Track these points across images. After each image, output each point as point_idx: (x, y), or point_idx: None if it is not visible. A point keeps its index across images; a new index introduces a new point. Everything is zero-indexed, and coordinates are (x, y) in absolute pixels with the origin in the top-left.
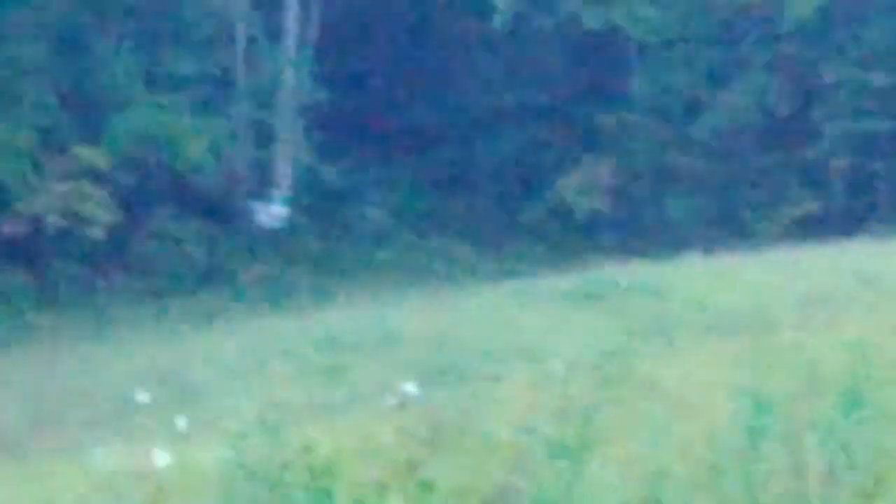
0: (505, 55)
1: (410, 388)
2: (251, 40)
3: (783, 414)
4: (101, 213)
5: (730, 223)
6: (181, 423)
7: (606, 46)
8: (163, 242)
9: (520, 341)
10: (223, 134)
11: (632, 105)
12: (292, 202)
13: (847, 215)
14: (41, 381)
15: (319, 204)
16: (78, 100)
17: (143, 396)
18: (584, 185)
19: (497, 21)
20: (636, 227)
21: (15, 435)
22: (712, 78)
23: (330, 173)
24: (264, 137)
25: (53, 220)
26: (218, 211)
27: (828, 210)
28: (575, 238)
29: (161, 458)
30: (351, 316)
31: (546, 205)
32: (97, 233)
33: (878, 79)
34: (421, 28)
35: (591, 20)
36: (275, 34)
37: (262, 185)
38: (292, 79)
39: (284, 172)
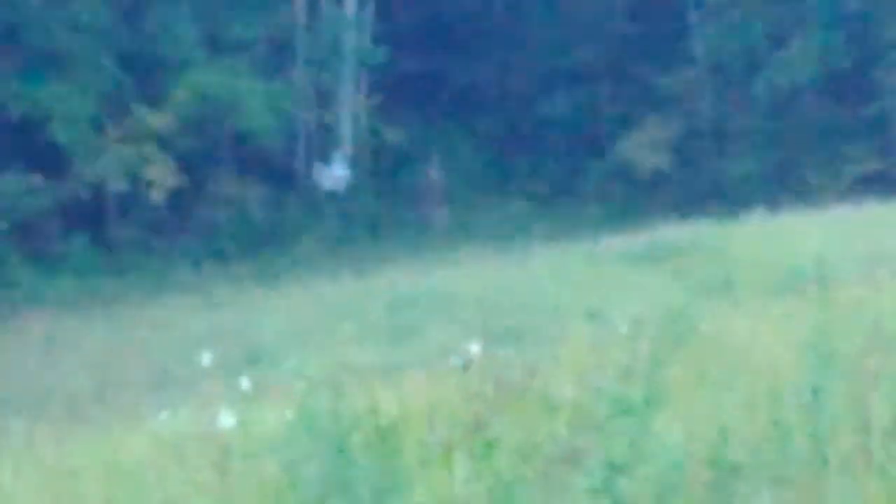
0: (564, 14)
1: (474, 347)
2: (311, 2)
3: (847, 370)
4: (163, 176)
5: (791, 181)
6: (246, 384)
7: (666, 5)
8: (225, 205)
9: (583, 301)
10: (284, 96)
11: (692, 64)
12: (354, 164)
13: None
14: (106, 345)
15: (381, 165)
16: (139, 63)
17: (207, 358)
18: (645, 144)
19: None
20: (698, 186)
21: (81, 398)
22: (772, 36)
23: (391, 135)
24: (325, 99)
25: (116, 184)
26: (280, 173)
27: (889, 168)
28: (637, 197)
29: (226, 419)
30: (413, 277)
31: (607, 165)
32: (159, 196)
33: None
34: None
35: None
36: None
37: (324, 148)
38: (352, 41)
39: (346, 134)
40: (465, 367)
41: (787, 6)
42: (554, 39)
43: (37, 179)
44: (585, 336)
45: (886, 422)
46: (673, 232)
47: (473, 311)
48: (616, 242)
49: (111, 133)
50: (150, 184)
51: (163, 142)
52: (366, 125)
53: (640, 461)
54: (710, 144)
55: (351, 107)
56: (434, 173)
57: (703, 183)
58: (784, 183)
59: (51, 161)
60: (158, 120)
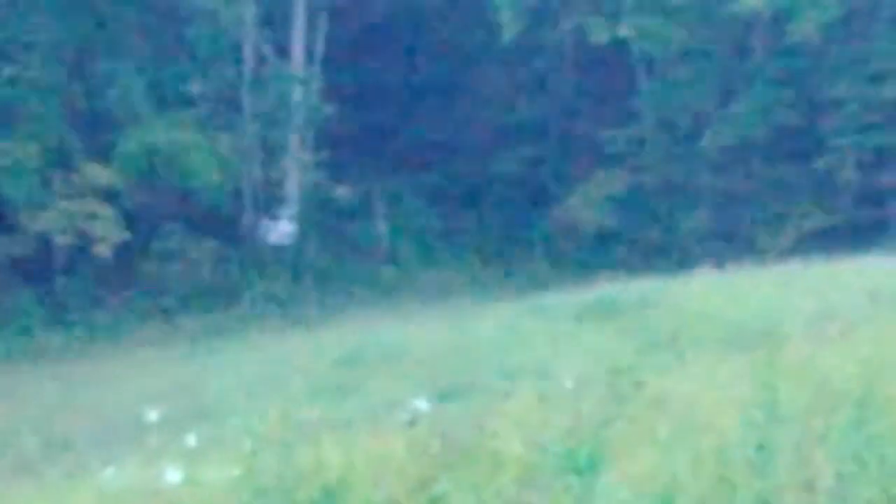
0: (512, 71)
1: (421, 403)
2: (259, 58)
3: (794, 428)
4: (109, 231)
5: (738, 238)
6: (192, 440)
7: (614, 61)
8: (171, 261)
9: (530, 357)
10: (231, 152)
11: (639, 120)
12: (300, 219)
13: (856, 230)
14: (53, 400)
15: (327, 221)
16: (87, 118)
17: (154, 414)
18: (592, 200)
19: (505, 36)
20: (645, 243)
21: (28, 454)
22: (720, 92)
23: (338, 190)
24: (272, 155)
25: (62, 239)
26: (226, 229)
27: (836, 224)
28: (584, 253)
29: (172, 475)
30: (361, 332)
31: (555, 221)
32: (105, 251)
33: (886, 92)
34: (428, 44)
35: (598, 34)
36: (282, 52)
37: (271, 203)
38: (300, 96)
39: (292, 190)
40: (412, 423)
41: (735, 63)
42: (502, 95)
43: None
44: (533, 392)
45: (831, 480)
46: (620, 288)
47: (421, 366)
48: (563, 298)
49: (58, 188)
50: (95, 238)
51: (109, 197)
52: (313, 180)
53: None
54: (658, 201)
55: (298, 162)
56: (381, 228)
57: (651, 239)
58: (731, 239)
59: None
60: (105, 175)
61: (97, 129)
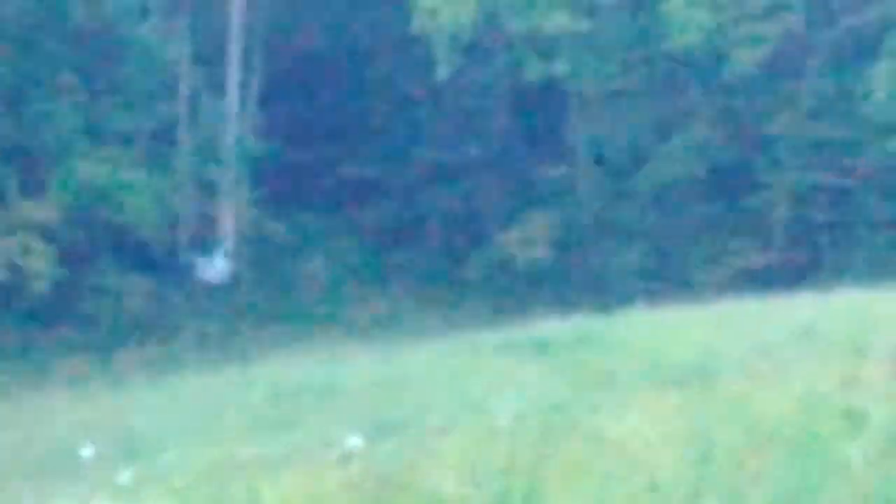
0: (446, 109)
1: (355, 440)
2: (194, 94)
3: (729, 467)
4: (44, 267)
5: (673, 275)
6: (126, 477)
7: (547, 98)
8: (106, 296)
9: (465, 394)
10: (166, 188)
11: (573, 157)
12: (236, 256)
13: (789, 267)
14: None
15: (263, 257)
16: (20, 154)
17: (87, 450)
18: (525, 237)
19: (441, 72)
20: (578, 279)
21: None
22: (654, 129)
23: (273, 227)
24: (207, 191)
25: None
26: (161, 265)
27: (770, 262)
28: (518, 290)
29: None
30: (296, 369)
31: (489, 258)
32: (41, 287)
33: (821, 131)
34: (364, 81)
35: (531, 72)
36: (217, 88)
37: (206, 239)
38: (235, 133)
39: (228, 226)
40: (346, 460)
41: (670, 100)
42: (436, 133)
43: None
44: (468, 429)
45: None
46: (554, 325)
47: (355, 403)
48: (497, 335)
49: None
50: (30, 274)
51: (44, 232)
52: (248, 217)
53: None
54: (591, 237)
55: (233, 198)
56: (316, 265)
57: (584, 276)
58: (665, 276)
59: None
60: (39, 211)
61: (31, 165)
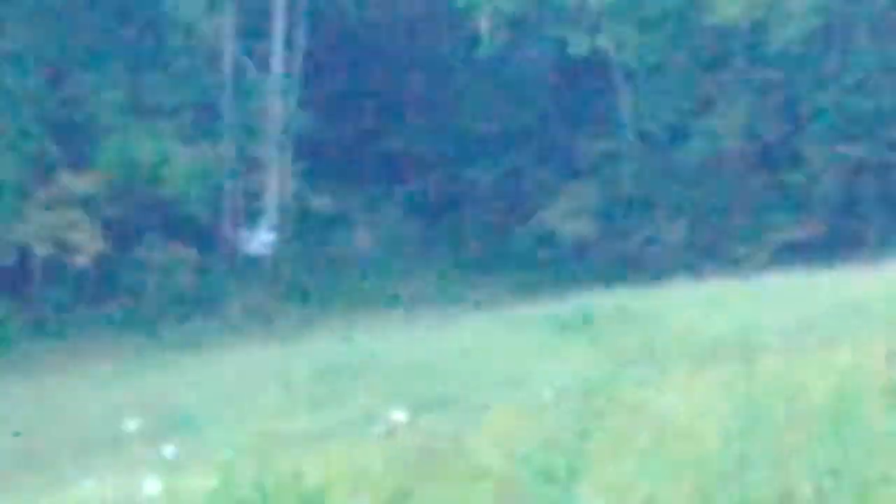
0: (491, 82)
1: (399, 415)
2: (238, 69)
3: (771, 441)
4: (88, 241)
5: (716, 249)
6: (171, 451)
7: (592, 72)
8: (150, 270)
9: (508, 369)
10: (210, 162)
11: (618, 131)
12: (279, 230)
13: (833, 241)
14: (31, 412)
15: (307, 231)
16: (65, 128)
17: (132, 425)
18: (570, 211)
19: (482, 51)
20: (622, 254)
21: (6, 466)
22: (698, 103)
23: (317, 201)
24: (251, 165)
25: (40, 249)
26: (205, 239)
27: (814, 236)
28: (561, 264)
29: (151, 486)
30: (339, 343)
31: (533, 231)
32: (84, 261)
33: (864, 104)
34: (407, 55)
35: (577, 46)
36: (261, 63)
37: (250, 213)
38: (279, 107)
39: (271, 200)
40: (390, 434)
41: (712, 75)
42: (479, 105)
43: None
44: (510, 404)
45: (808, 491)
46: (597, 299)
47: (399, 377)
48: (541, 310)
49: (36, 198)
50: (74, 248)
51: (88, 207)
52: (292, 191)
53: None
54: (635, 212)
55: (277, 172)
56: (360, 238)
57: (628, 251)
58: (709, 251)
59: None
60: (83, 185)
61: (75, 140)
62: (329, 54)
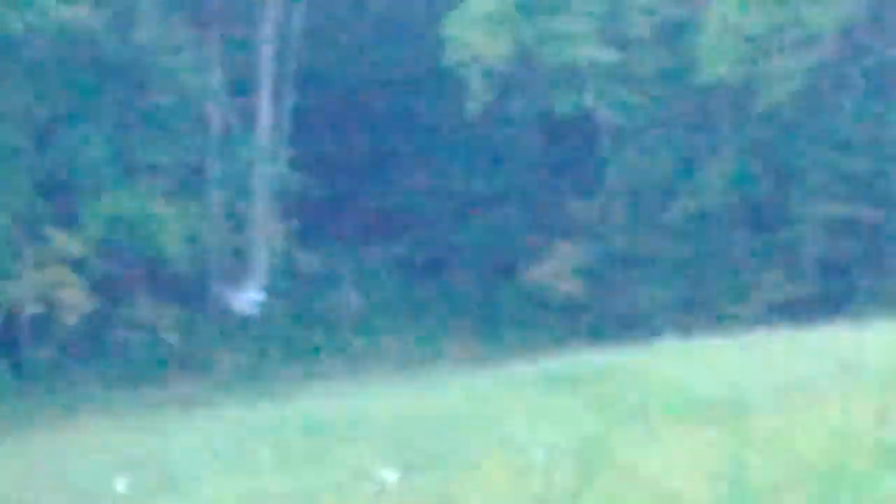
0: (478, 140)
1: (390, 474)
2: (226, 126)
3: (763, 501)
4: (76, 300)
5: (705, 307)
6: None
7: (579, 130)
8: (138, 329)
9: (499, 428)
10: (198, 220)
11: (604, 189)
12: (267, 289)
13: (823, 300)
14: (18, 470)
15: (295, 290)
16: (53, 186)
17: (121, 485)
18: (558, 269)
19: (470, 109)
20: (611, 313)
21: None
22: (686, 161)
23: (305, 259)
24: (239, 224)
25: (30, 308)
26: (193, 298)
27: (803, 294)
28: (551, 323)
29: None
30: (329, 402)
31: (521, 289)
32: (73, 320)
33: (854, 163)
34: (395, 114)
35: (563, 104)
36: (248, 120)
37: (238, 272)
38: (266, 165)
39: (259, 259)
40: (379, 494)
41: (701, 132)
42: (468, 164)
43: None
44: (502, 463)
45: None
46: (587, 357)
47: (389, 435)
48: (530, 368)
49: (26, 256)
50: (63, 307)
51: (76, 265)
52: (280, 250)
53: None
54: (624, 270)
55: (265, 231)
56: (349, 297)
57: (617, 309)
58: (697, 309)
59: None
60: (72, 243)
61: (63, 198)
62: (317, 112)
